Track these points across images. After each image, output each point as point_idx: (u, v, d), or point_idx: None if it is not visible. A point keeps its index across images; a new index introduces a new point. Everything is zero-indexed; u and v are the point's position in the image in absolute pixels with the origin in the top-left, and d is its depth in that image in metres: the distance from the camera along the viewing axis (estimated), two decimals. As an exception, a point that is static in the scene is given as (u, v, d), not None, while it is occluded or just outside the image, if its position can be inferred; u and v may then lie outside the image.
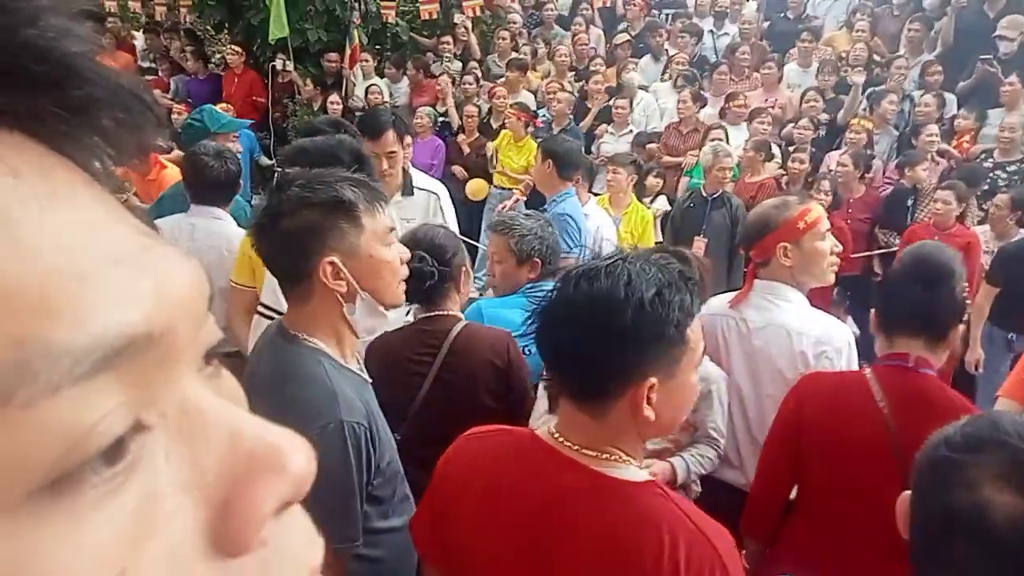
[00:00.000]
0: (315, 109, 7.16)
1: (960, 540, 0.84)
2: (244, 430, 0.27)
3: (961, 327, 1.73)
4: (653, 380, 1.00)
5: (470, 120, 6.57)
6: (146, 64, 8.53)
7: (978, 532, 0.82)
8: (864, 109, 6.13)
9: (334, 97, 6.92)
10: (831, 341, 1.99)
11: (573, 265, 1.10)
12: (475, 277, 4.42)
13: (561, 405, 1.08)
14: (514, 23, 8.32)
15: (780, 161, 5.69)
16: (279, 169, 2.41)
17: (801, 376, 1.89)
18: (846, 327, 2.08)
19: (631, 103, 6.53)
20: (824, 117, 6.15)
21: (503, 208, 5.13)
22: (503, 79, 7.11)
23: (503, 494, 1.05)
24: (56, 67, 0.24)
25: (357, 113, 7.14)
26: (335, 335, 1.40)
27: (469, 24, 8.00)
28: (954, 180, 4.84)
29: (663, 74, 7.32)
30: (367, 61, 7.52)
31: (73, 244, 0.23)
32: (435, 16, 7.93)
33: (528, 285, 2.33)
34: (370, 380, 1.47)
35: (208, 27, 8.45)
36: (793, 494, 1.84)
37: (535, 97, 6.97)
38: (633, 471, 1.05)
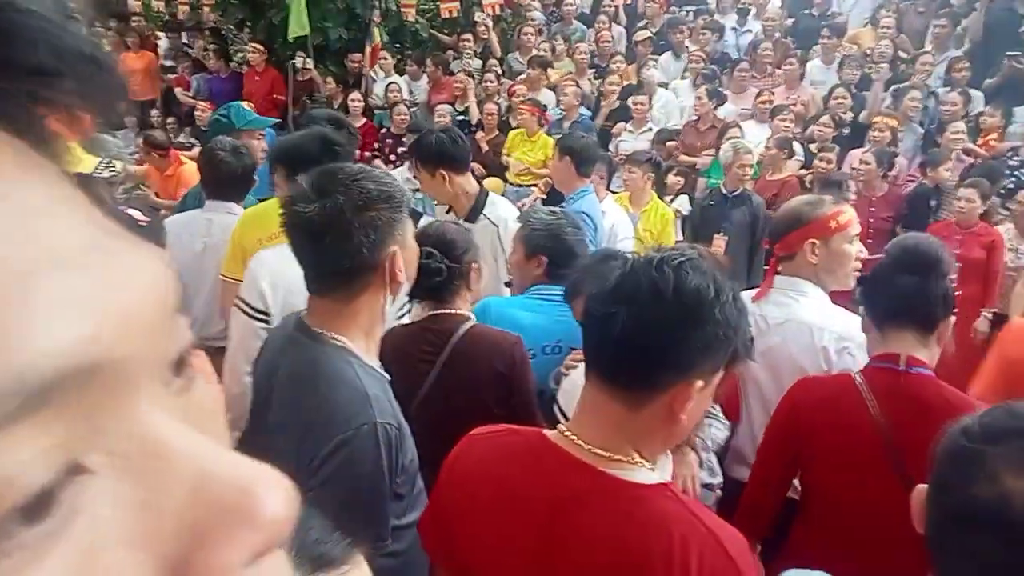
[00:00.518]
0: (335, 107, 7.20)
1: (981, 531, 0.82)
2: (213, 471, 0.22)
3: (952, 319, 1.66)
4: (700, 383, 0.99)
5: (490, 118, 6.56)
6: (168, 63, 8.62)
7: (999, 523, 0.80)
8: (888, 106, 6.04)
9: (355, 95, 6.95)
10: (853, 337, 1.96)
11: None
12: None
13: (587, 394, 1.05)
14: (535, 20, 8.30)
15: (802, 159, 5.63)
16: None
17: (820, 371, 1.86)
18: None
19: (650, 100, 6.49)
20: (849, 116, 6.08)
21: (522, 206, 5.12)
22: (524, 76, 7.09)
23: (510, 496, 1.04)
24: None
25: (377, 111, 7.18)
26: (369, 331, 1.42)
27: (490, 22, 8.00)
28: (976, 178, 4.76)
29: (684, 71, 7.27)
30: (386, 59, 7.54)
31: None
32: (455, 14, 7.95)
33: (535, 287, 2.28)
34: (388, 377, 1.47)
35: (230, 26, 8.52)
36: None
37: (555, 94, 6.96)
38: (645, 473, 1.03)
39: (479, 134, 6.60)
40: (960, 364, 1.97)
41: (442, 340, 1.91)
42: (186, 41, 9.08)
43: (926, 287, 1.62)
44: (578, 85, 6.79)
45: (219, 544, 0.22)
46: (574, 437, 1.04)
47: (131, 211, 1.97)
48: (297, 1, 6.69)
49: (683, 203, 5.50)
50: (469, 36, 7.84)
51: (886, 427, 1.60)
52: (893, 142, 5.63)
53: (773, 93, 6.34)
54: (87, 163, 2.45)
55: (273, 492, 0.23)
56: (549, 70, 7.22)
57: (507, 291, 2.53)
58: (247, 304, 2.06)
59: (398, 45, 8.18)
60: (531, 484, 1.03)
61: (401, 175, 5.25)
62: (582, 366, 1.21)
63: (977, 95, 6.06)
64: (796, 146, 5.57)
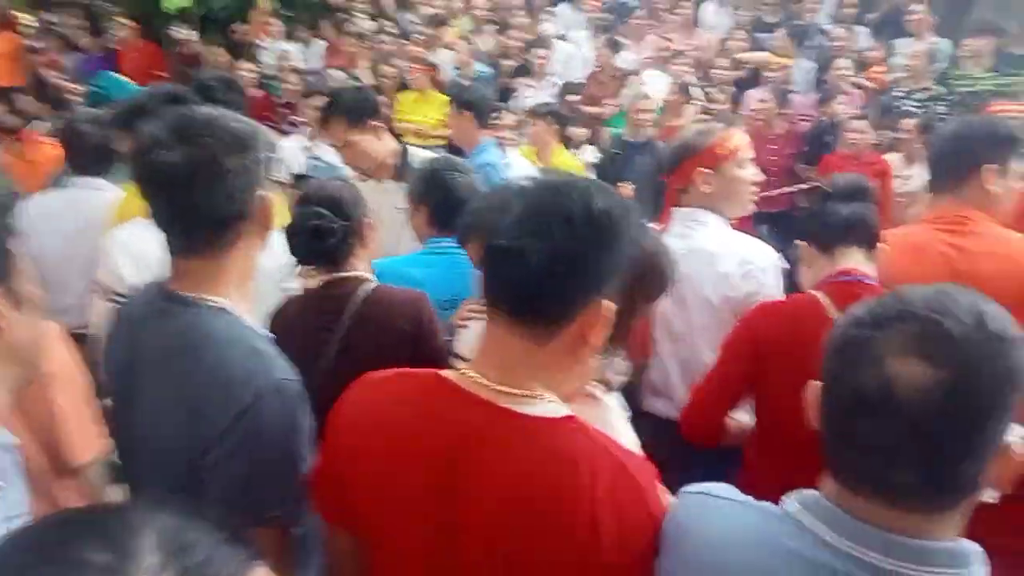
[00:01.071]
0: (226, 80, 6.82)
1: (867, 418, 0.81)
2: None
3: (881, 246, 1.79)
4: (610, 304, 0.94)
5: (388, 82, 6.34)
6: (35, 44, 7.95)
7: (886, 407, 0.79)
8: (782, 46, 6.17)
9: (246, 66, 6.57)
10: (755, 259, 1.96)
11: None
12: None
13: (489, 333, 0.99)
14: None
15: (703, 103, 5.69)
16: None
17: (726, 298, 1.85)
18: (771, 249, 2.05)
19: (551, 54, 6.42)
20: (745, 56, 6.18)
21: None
22: (419, 36, 6.89)
23: (405, 440, 0.96)
24: None
25: (269, 81, 6.83)
26: (241, 288, 1.29)
27: (381, -19, 7.72)
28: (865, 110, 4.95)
29: (586, 23, 7.22)
30: (271, 25, 7.17)
31: None
32: (344, -28, 7.62)
33: (430, 241, 2.18)
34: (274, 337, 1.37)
35: (99, 0, 7.92)
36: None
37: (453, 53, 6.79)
38: (549, 406, 0.97)
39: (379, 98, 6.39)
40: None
41: (341, 306, 1.77)
42: (52, 19, 8.39)
43: (867, 211, 1.78)
44: (473, 42, 6.64)
45: None
46: (475, 375, 0.98)
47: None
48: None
49: (590, 153, 5.50)
50: (360, -4, 7.54)
51: None
52: (787, 80, 5.77)
53: (671, 39, 6.37)
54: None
55: None
56: (446, 27, 7.03)
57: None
58: (107, 289, 1.88)
59: (286, 11, 7.79)
60: (427, 426, 0.96)
61: (300, 143, 5.02)
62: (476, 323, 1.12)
63: (862, 30, 6.27)
64: (696, 91, 5.63)
